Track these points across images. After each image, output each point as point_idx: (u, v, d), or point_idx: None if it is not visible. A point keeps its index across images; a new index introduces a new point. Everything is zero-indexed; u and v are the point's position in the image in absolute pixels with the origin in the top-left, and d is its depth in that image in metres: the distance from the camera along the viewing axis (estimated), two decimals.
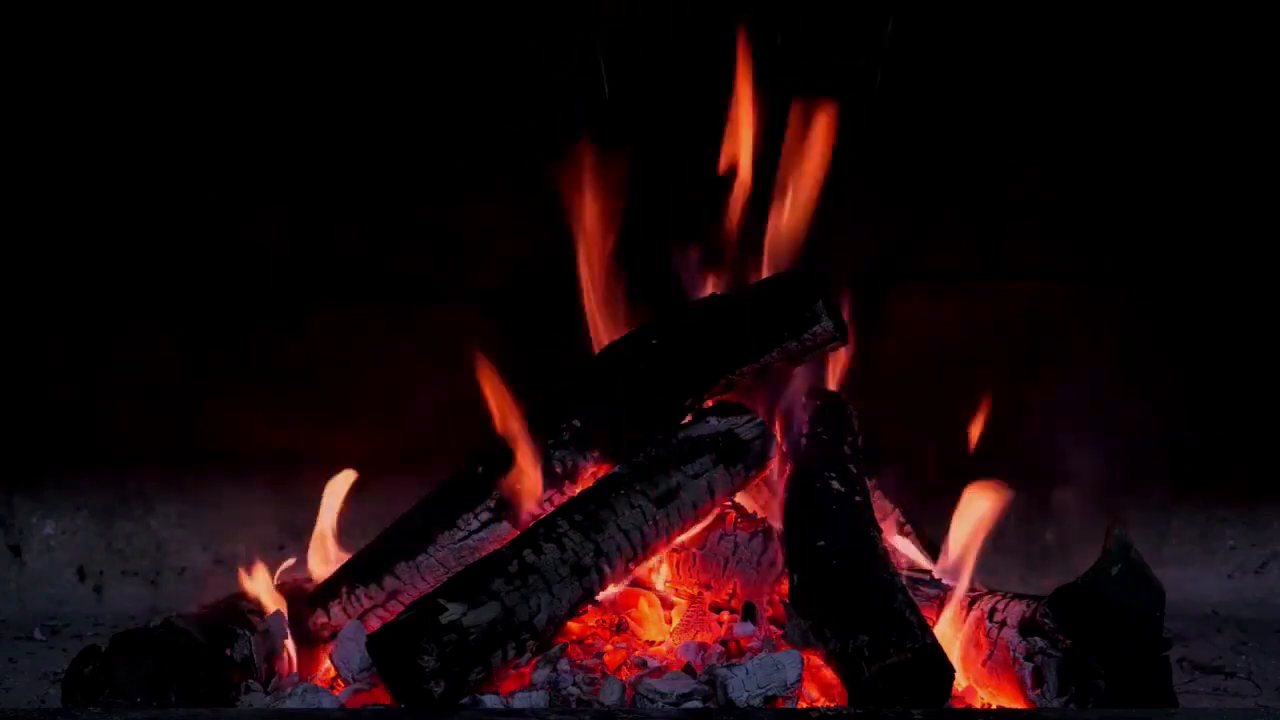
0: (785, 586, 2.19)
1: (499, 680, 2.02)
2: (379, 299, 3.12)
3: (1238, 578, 3.11)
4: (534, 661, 2.05)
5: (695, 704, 1.97)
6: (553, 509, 2.24)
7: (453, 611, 1.95)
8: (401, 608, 2.17)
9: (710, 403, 2.37)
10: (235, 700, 2.08)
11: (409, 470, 2.71)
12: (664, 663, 2.13)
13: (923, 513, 2.53)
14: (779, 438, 2.41)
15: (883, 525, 2.29)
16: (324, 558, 2.41)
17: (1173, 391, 3.09)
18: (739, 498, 2.40)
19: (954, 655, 2.07)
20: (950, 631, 2.15)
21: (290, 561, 2.44)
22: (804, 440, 2.43)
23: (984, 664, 2.09)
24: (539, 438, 2.33)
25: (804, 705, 2.00)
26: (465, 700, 1.95)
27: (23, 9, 2.97)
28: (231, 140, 3.04)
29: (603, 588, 2.15)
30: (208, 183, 3.07)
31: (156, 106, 3.03)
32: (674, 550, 2.33)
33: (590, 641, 2.19)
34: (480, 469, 2.35)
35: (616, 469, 2.26)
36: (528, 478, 2.28)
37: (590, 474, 2.33)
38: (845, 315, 2.37)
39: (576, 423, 2.34)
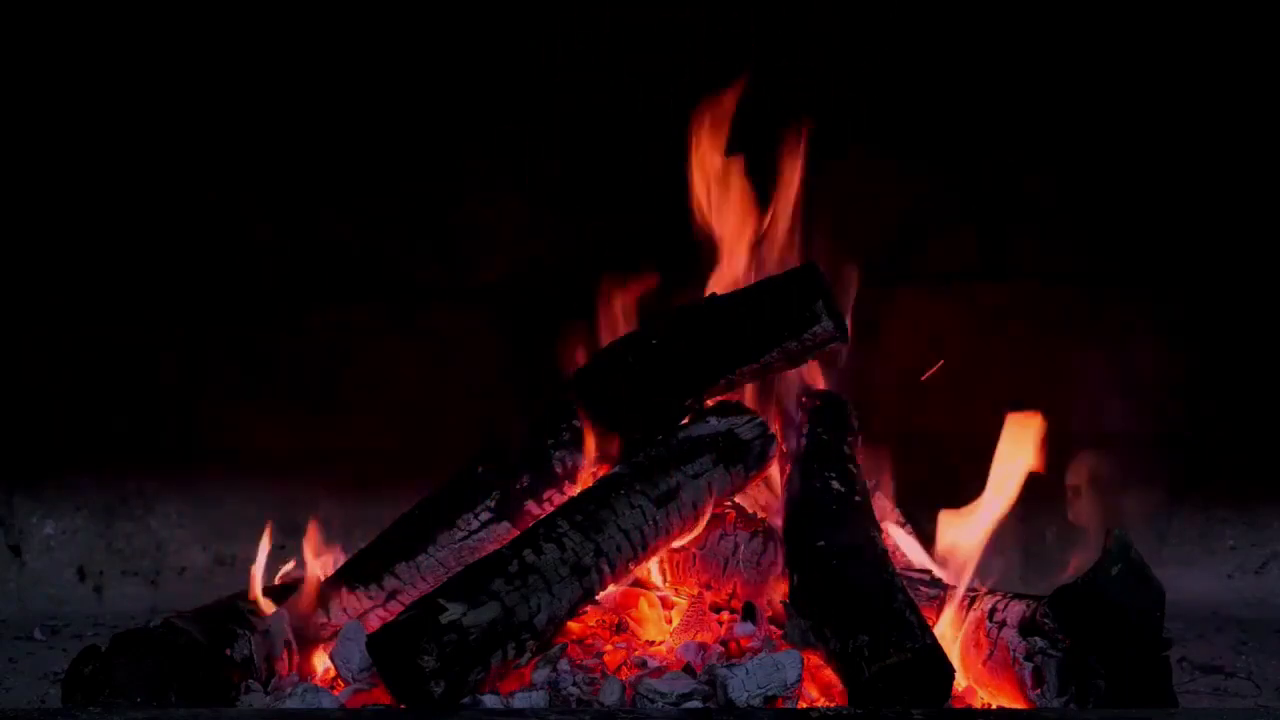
0: (785, 586, 2.19)
1: (499, 680, 2.02)
2: (379, 299, 3.12)
3: (1238, 578, 3.11)
4: (534, 661, 2.05)
5: (695, 704, 1.97)
6: (553, 509, 2.24)
7: (453, 611, 1.95)
8: (401, 608, 2.17)
9: (710, 403, 2.37)
10: (235, 700, 2.08)
11: (409, 470, 2.71)
12: (664, 663, 2.13)
13: (923, 513, 2.53)
14: (779, 438, 2.41)
15: (883, 525, 2.29)
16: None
17: (1172, 391, 3.09)
18: (739, 498, 2.40)
19: (954, 655, 2.07)
20: (950, 631, 2.15)
21: (291, 562, 2.44)
22: (804, 440, 2.43)
23: (984, 664, 2.09)
24: (539, 438, 2.34)
25: (804, 705, 2.00)
26: (465, 700, 1.95)
27: (23, 9, 2.97)
28: (231, 140, 3.05)
29: (603, 588, 2.15)
30: (207, 183, 3.07)
31: (157, 107, 3.04)
32: (674, 550, 2.33)
33: (590, 641, 2.19)
34: (480, 469, 2.35)
35: (616, 469, 2.26)
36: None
37: (590, 474, 2.33)
38: (848, 315, 2.37)
39: (576, 423, 2.34)
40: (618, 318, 2.56)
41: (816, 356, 2.41)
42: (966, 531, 2.31)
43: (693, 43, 2.99)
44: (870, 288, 2.97)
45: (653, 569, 2.36)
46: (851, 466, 2.35)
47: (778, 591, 2.27)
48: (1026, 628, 2.02)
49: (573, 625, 2.18)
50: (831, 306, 2.30)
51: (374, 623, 2.21)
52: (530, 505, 2.31)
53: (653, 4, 2.98)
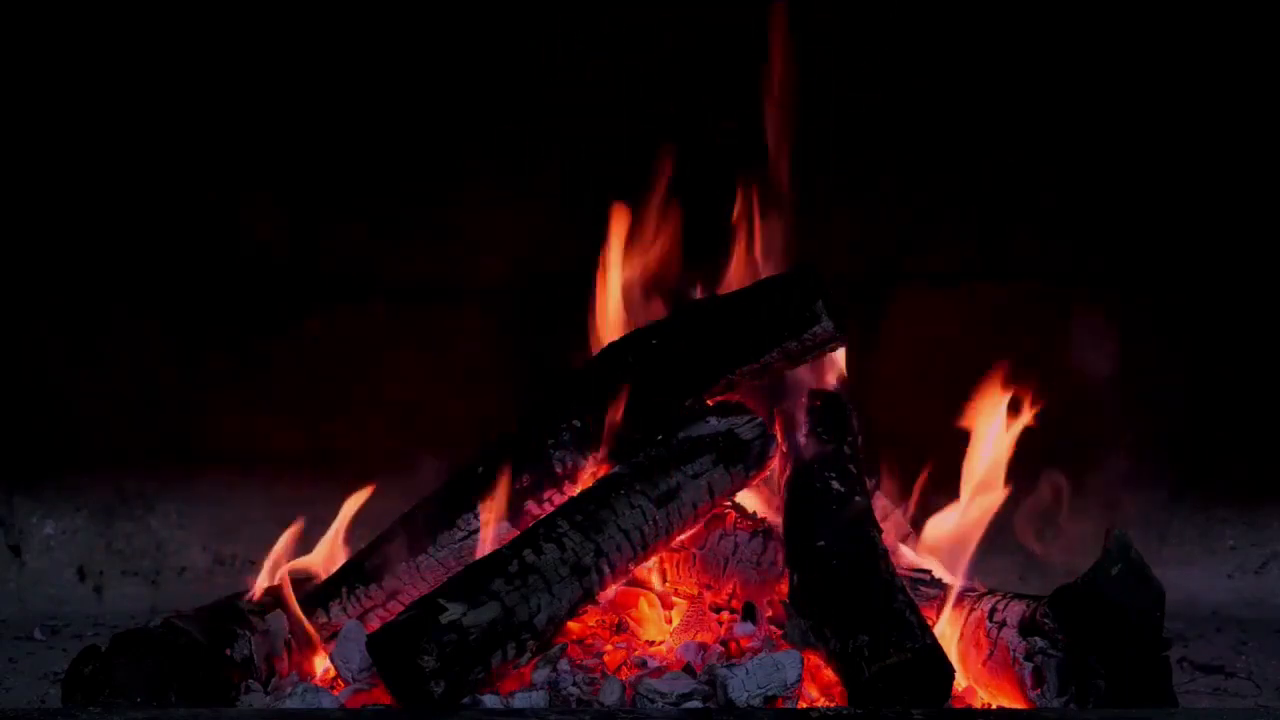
0: (785, 586, 2.19)
1: (499, 680, 2.02)
2: (379, 299, 3.11)
3: (1238, 578, 3.11)
4: (534, 661, 2.06)
5: (695, 704, 1.97)
6: (553, 509, 2.24)
7: (453, 611, 1.95)
8: (401, 608, 2.17)
9: (710, 403, 2.37)
10: (235, 700, 2.08)
11: (409, 470, 2.70)
12: (664, 663, 2.13)
13: (923, 513, 2.53)
14: (779, 438, 2.41)
15: (883, 525, 2.29)
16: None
17: (1173, 391, 3.09)
18: (739, 498, 2.40)
19: (954, 655, 2.07)
20: (950, 631, 2.15)
21: (291, 562, 2.44)
22: (804, 440, 2.43)
23: (984, 664, 2.09)
24: (539, 438, 2.34)
25: (804, 705, 2.00)
26: (465, 700, 1.95)
27: (23, 9, 2.97)
28: (231, 140, 3.04)
29: (603, 588, 2.15)
30: (207, 183, 3.07)
31: (157, 108, 3.03)
32: (674, 550, 2.33)
33: (590, 641, 2.19)
34: (480, 469, 2.35)
35: (616, 469, 2.26)
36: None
37: (590, 474, 2.33)
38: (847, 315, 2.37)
39: (576, 423, 2.34)
40: (618, 317, 2.56)
41: (817, 356, 2.40)
42: (959, 527, 2.32)
43: (692, 41, 2.99)
44: (870, 288, 2.98)
45: (653, 569, 2.36)
46: (852, 467, 2.35)
47: (778, 591, 2.27)
48: (1026, 628, 2.02)
49: (573, 625, 2.18)
50: (831, 306, 2.30)
51: (374, 623, 2.21)
52: (530, 505, 2.31)
53: (652, 3, 2.98)
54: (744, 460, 2.29)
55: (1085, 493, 2.93)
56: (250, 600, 2.26)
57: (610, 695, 2.01)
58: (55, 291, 3.08)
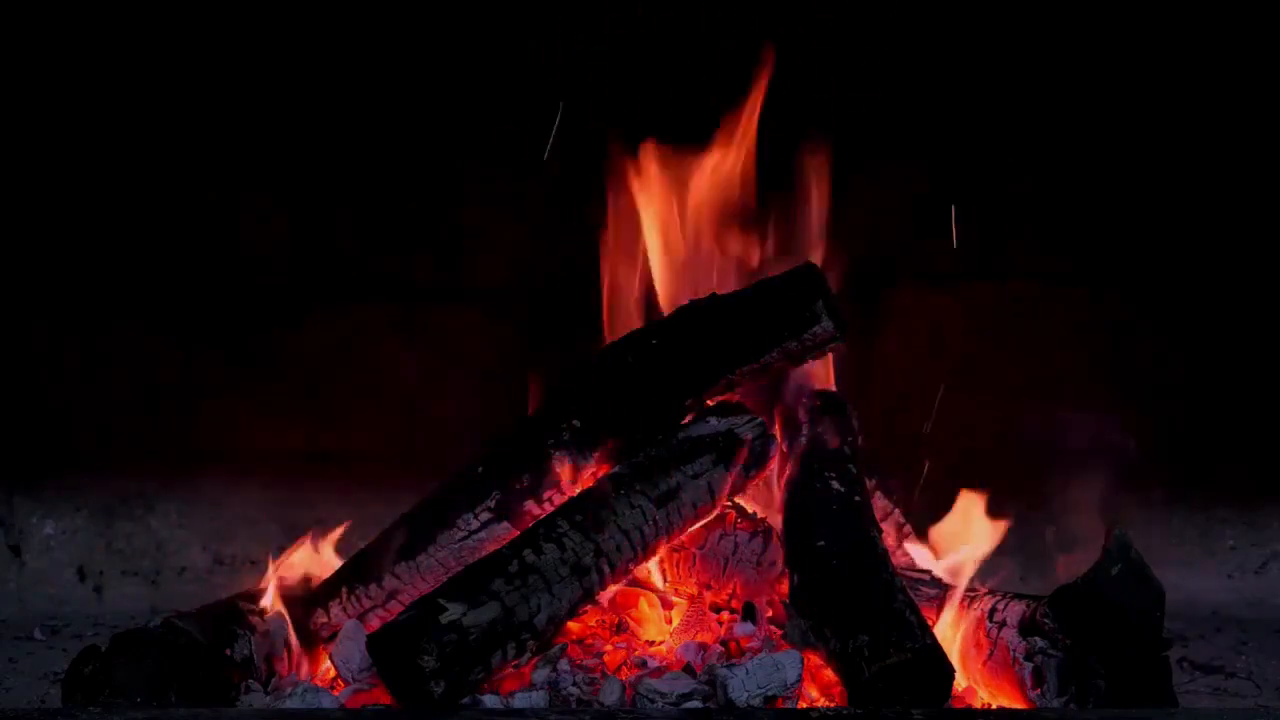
0: (785, 586, 2.19)
1: (499, 680, 2.02)
2: (379, 299, 3.12)
3: (1238, 578, 3.11)
4: (534, 661, 2.05)
5: (695, 704, 1.97)
6: (553, 509, 2.24)
7: (453, 611, 1.95)
8: (401, 608, 2.17)
9: (710, 403, 2.37)
10: (235, 700, 2.08)
11: (409, 470, 2.71)
12: (664, 663, 2.13)
13: (923, 513, 2.53)
14: (779, 438, 2.41)
15: (883, 525, 2.29)
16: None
17: (1173, 392, 3.09)
18: (739, 498, 2.39)
19: (954, 655, 2.07)
20: (950, 631, 2.15)
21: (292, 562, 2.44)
22: (804, 440, 2.43)
23: (984, 664, 2.09)
24: (539, 438, 2.34)
25: (804, 705, 2.00)
26: (465, 700, 1.95)
27: (24, 9, 2.97)
28: (231, 141, 3.05)
29: (603, 588, 2.15)
30: (207, 183, 3.07)
31: (158, 109, 3.04)
32: (674, 550, 2.33)
33: (590, 641, 2.19)
34: (480, 469, 2.35)
35: (616, 469, 2.26)
36: None
37: (590, 474, 2.33)
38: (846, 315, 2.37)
39: (576, 423, 2.34)
40: (618, 318, 2.56)
41: (817, 356, 2.40)
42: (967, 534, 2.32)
43: (693, 44, 2.99)
44: (870, 288, 2.98)
45: (653, 569, 2.36)
46: (852, 467, 2.35)
47: (778, 591, 2.27)
48: (1026, 628, 2.02)
49: (573, 625, 2.18)
50: (832, 306, 2.30)
51: (374, 623, 2.21)
52: (530, 505, 2.31)
53: (654, 5, 2.98)
54: (744, 460, 2.29)
55: (1085, 493, 2.93)
56: (250, 600, 2.26)
57: (610, 695, 2.01)
58: (55, 292, 3.09)
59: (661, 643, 2.24)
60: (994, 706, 2.05)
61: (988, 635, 2.09)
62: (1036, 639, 1.99)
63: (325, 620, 2.29)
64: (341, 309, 3.11)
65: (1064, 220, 3.08)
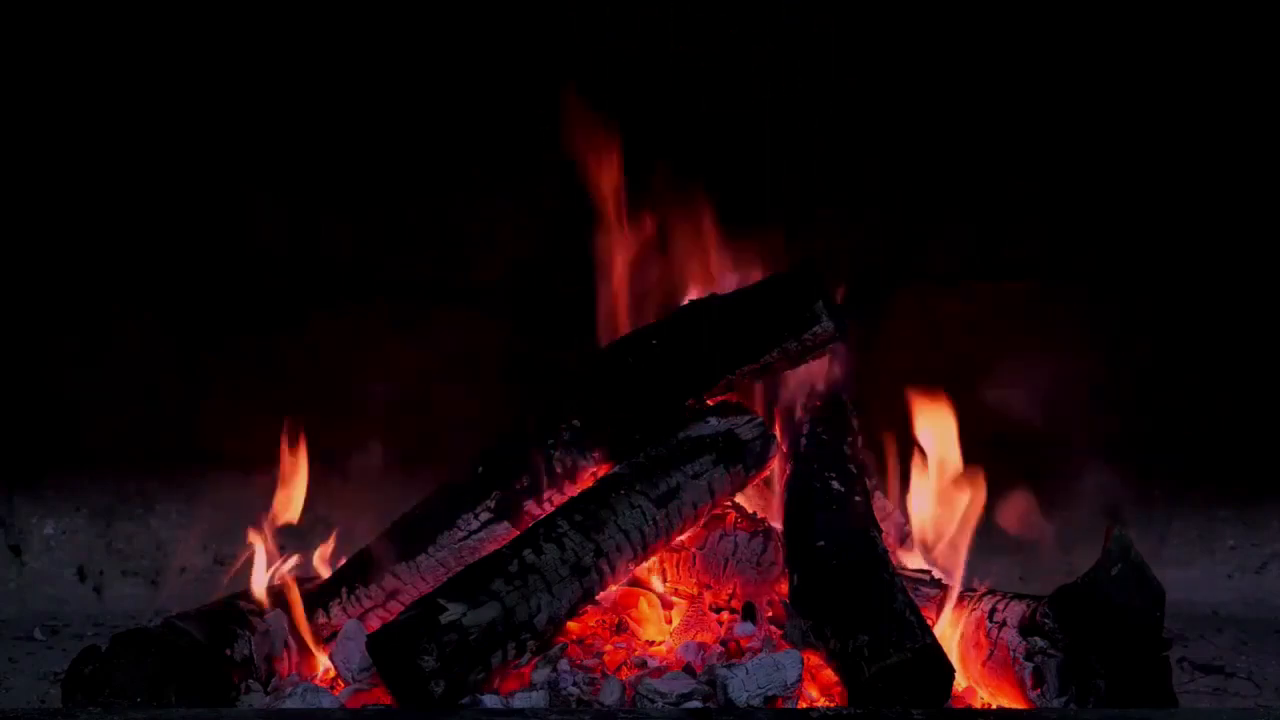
0: (785, 586, 2.19)
1: (499, 680, 2.02)
2: (379, 299, 3.11)
3: (1238, 578, 3.11)
4: (534, 661, 2.06)
5: (695, 704, 1.97)
6: (553, 509, 2.24)
7: (453, 611, 1.95)
8: (401, 608, 2.17)
9: (710, 403, 2.37)
10: (235, 700, 2.08)
11: (409, 470, 2.71)
12: (664, 663, 2.13)
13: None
14: (779, 438, 2.41)
15: (883, 525, 2.29)
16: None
17: (1172, 391, 3.09)
18: (739, 498, 2.40)
19: (954, 655, 2.07)
20: (950, 631, 2.15)
21: (292, 562, 2.44)
22: (804, 440, 2.43)
23: (984, 664, 2.09)
24: (539, 438, 2.34)
25: (804, 705, 2.00)
26: (465, 700, 1.95)
27: (25, 10, 2.97)
28: (232, 141, 3.04)
29: (603, 588, 2.15)
30: (208, 183, 3.07)
31: (159, 109, 3.03)
32: (674, 550, 2.33)
33: (590, 641, 2.19)
34: (480, 469, 2.35)
35: (616, 469, 2.26)
36: None
37: (590, 474, 2.33)
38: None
39: (576, 422, 2.34)
40: (618, 318, 2.56)
41: (816, 356, 2.40)
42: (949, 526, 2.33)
43: (694, 47, 2.99)
44: (869, 288, 2.98)
45: (653, 569, 2.36)
46: (851, 467, 2.35)
47: (778, 591, 2.27)
48: (1026, 628, 2.02)
49: (573, 625, 2.18)
50: (831, 306, 2.30)
51: (374, 623, 2.21)
52: (530, 505, 2.31)
53: (652, 12, 2.99)
54: (744, 460, 2.29)
55: (1085, 493, 2.94)
56: (250, 600, 2.26)
57: (610, 695, 2.01)
58: (56, 292, 3.08)
59: (661, 643, 2.24)
60: (994, 706, 2.06)
61: (988, 635, 2.09)
62: (1036, 639, 1.99)
63: (325, 620, 2.29)
64: (341, 309, 3.11)
65: (1064, 220, 3.08)
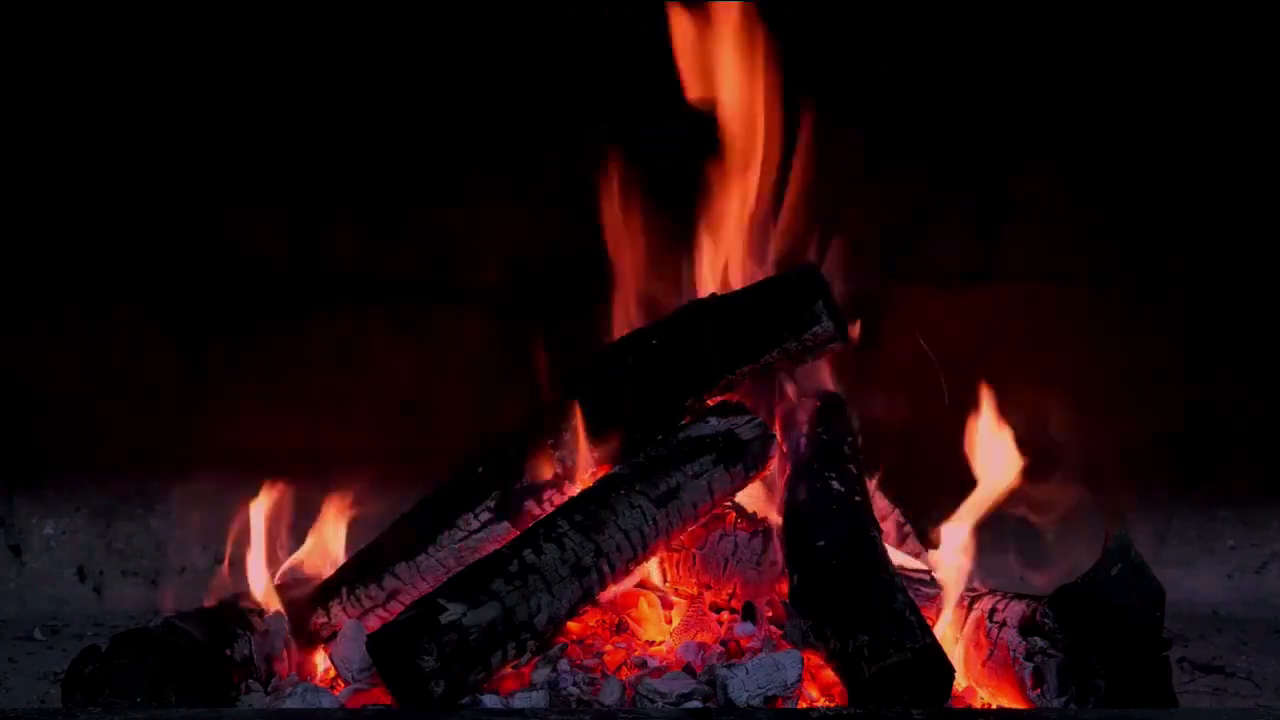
0: (785, 586, 2.19)
1: (499, 680, 2.02)
2: (378, 299, 3.11)
3: (1238, 578, 3.11)
4: (534, 661, 2.06)
5: (695, 704, 1.97)
6: (553, 509, 2.24)
7: (453, 611, 1.95)
8: (401, 608, 2.17)
9: (710, 403, 2.37)
10: (235, 700, 2.08)
11: (408, 470, 2.70)
12: (664, 663, 2.13)
13: (923, 512, 2.53)
14: (779, 438, 2.41)
15: (883, 525, 2.29)
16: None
17: (1172, 391, 3.09)
18: (739, 498, 2.40)
19: (954, 655, 2.07)
20: (950, 631, 2.15)
21: (291, 561, 2.44)
22: (804, 440, 2.43)
23: (984, 664, 2.09)
24: (539, 438, 2.34)
25: (804, 705, 2.00)
26: (465, 700, 1.95)
27: (24, 12, 2.97)
28: (231, 142, 3.04)
29: (603, 588, 2.15)
30: (208, 183, 3.07)
31: (158, 110, 3.03)
32: (674, 550, 2.33)
33: (590, 641, 2.19)
34: (480, 469, 2.35)
35: (616, 469, 2.26)
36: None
37: (590, 474, 2.33)
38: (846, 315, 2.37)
39: (576, 423, 2.33)
40: (618, 318, 2.56)
41: (817, 356, 2.41)
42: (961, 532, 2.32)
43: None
44: (869, 288, 2.98)
45: (653, 569, 2.36)
46: (851, 466, 2.35)
47: (778, 591, 2.27)
48: (1026, 628, 2.02)
49: (573, 625, 2.18)
50: (832, 307, 2.30)
51: (374, 623, 2.21)
52: (530, 505, 2.31)
53: (651, 11, 2.98)
54: (744, 460, 2.29)
55: (1085, 492, 2.93)
56: (250, 600, 2.26)
57: (610, 695, 2.01)
58: (55, 292, 3.08)
59: (661, 643, 2.24)
60: (994, 706, 2.06)
61: (988, 635, 2.09)
62: (1036, 639, 2.00)
63: (325, 620, 2.29)
64: (341, 309, 3.11)
65: (1063, 219, 3.08)
